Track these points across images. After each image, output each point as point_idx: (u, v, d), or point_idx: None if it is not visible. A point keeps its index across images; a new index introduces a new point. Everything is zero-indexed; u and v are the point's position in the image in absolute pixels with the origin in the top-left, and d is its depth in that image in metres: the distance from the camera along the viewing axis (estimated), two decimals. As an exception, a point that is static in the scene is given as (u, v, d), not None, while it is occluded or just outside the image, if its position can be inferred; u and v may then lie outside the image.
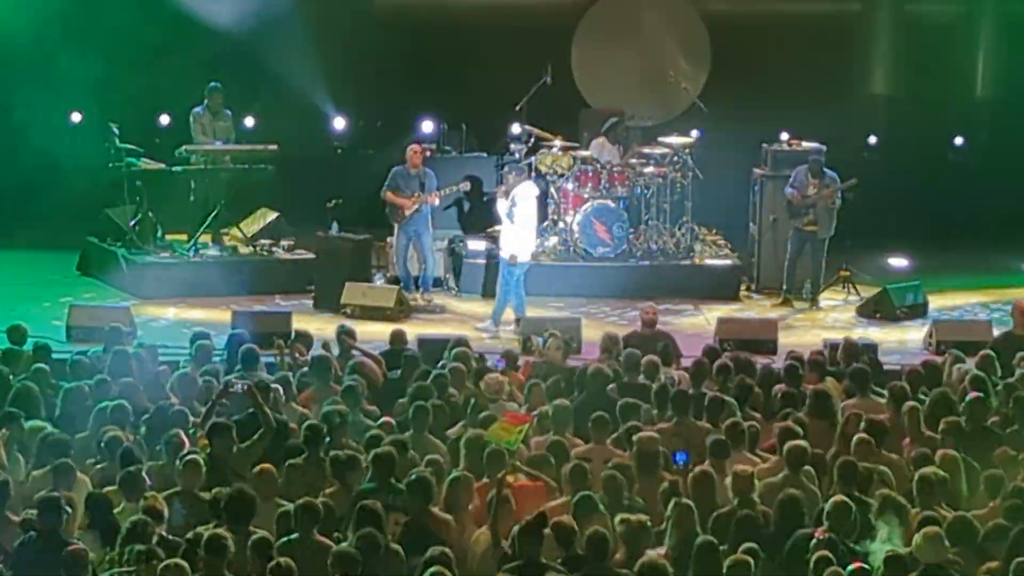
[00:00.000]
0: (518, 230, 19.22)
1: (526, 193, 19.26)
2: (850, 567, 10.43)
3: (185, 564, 10.13)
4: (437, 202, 20.75)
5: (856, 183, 20.81)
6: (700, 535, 10.94)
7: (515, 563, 10.60)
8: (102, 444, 12.67)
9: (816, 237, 20.79)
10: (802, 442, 12.61)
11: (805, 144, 21.88)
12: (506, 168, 20.15)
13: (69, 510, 11.15)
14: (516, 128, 22.35)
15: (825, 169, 20.82)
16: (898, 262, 22.19)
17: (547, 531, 10.77)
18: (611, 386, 14.80)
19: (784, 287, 21.05)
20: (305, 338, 16.43)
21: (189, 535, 10.87)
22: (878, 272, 22.04)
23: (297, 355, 15.82)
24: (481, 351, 16.40)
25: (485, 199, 21.93)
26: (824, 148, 21.15)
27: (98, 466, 12.54)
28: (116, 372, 14.56)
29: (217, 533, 10.59)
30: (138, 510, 11.13)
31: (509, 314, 19.27)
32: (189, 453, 12.21)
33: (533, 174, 20.86)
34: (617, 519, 11.13)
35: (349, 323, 17.41)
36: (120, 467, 12.02)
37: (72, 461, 12.12)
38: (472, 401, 14.04)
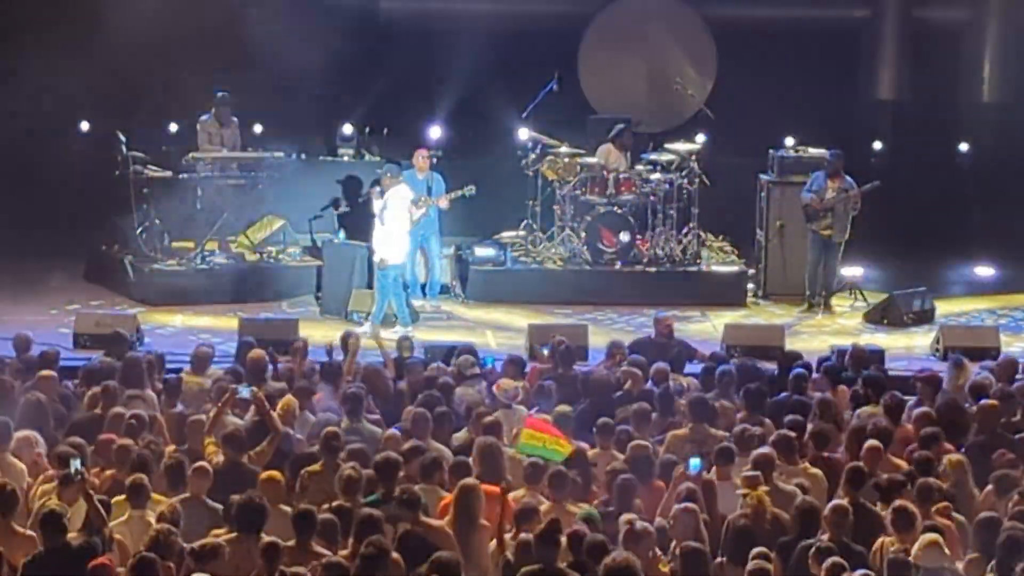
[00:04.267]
0: (388, 232, 19.29)
1: (399, 196, 19.34)
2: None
3: None
4: (446, 205, 20.76)
5: (879, 184, 20.77)
6: (698, 542, 10.95)
7: (533, 568, 10.60)
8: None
9: (832, 241, 20.77)
10: (768, 450, 12.59)
11: (812, 150, 21.89)
12: (384, 169, 20.15)
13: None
14: (523, 134, 22.33)
15: (842, 172, 20.82)
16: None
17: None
18: (617, 393, 14.82)
19: (807, 292, 21.03)
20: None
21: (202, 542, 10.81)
22: (884, 278, 22.04)
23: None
24: (485, 357, 16.39)
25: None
26: (840, 152, 21.12)
27: (105, 473, 12.55)
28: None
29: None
30: (147, 518, 11.16)
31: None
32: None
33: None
34: (622, 519, 11.19)
35: (356, 330, 17.42)
36: (128, 475, 12.03)
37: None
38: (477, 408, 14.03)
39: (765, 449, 12.60)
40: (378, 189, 19.63)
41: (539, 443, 12.59)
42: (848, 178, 20.84)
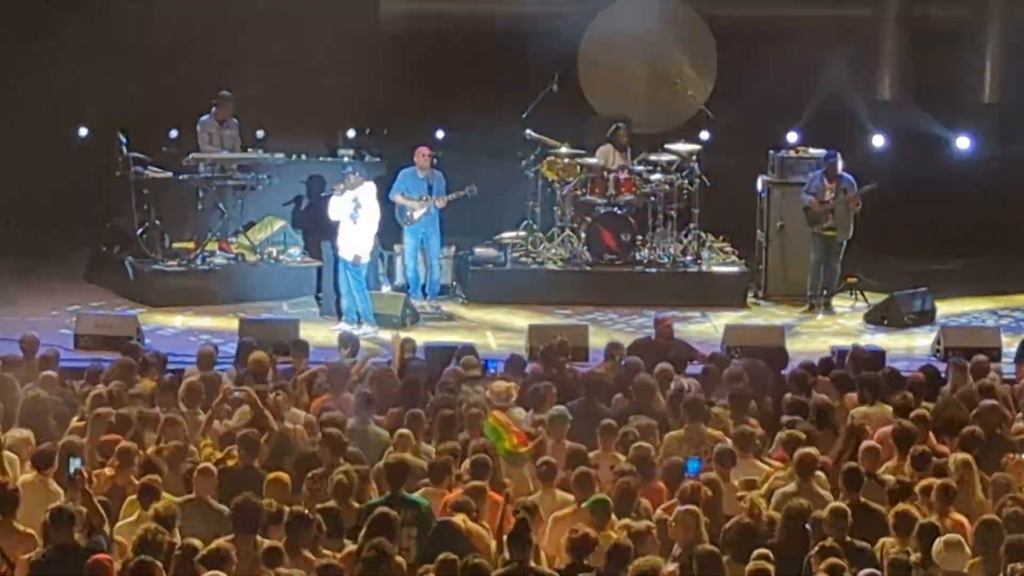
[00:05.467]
0: (361, 231, 19.36)
1: (368, 194, 19.41)
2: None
3: None
4: (442, 205, 20.78)
5: (875, 186, 20.77)
6: (703, 544, 10.94)
7: (507, 569, 10.58)
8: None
9: (834, 241, 20.76)
10: (811, 449, 12.59)
11: (812, 150, 21.88)
12: (350, 168, 20.17)
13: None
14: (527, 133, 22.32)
15: (841, 172, 20.80)
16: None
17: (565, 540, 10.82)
18: (618, 395, 14.83)
19: (808, 293, 21.01)
20: (302, 346, 16.49)
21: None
22: (885, 278, 22.01)
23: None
24: (486, 357, 16.40)
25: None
26: (837, 152, 21.13)
27: (105, 473, 12.56)
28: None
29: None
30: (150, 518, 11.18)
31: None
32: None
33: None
34: (620, 523, 11.21)
35: (355, 331, 17.46)
36: (137, 476, 12.04)
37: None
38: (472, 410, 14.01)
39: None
40: (341, 186, 19.61)
41: (502, 430, 12.59)
42: (848, 176, 20.84)
